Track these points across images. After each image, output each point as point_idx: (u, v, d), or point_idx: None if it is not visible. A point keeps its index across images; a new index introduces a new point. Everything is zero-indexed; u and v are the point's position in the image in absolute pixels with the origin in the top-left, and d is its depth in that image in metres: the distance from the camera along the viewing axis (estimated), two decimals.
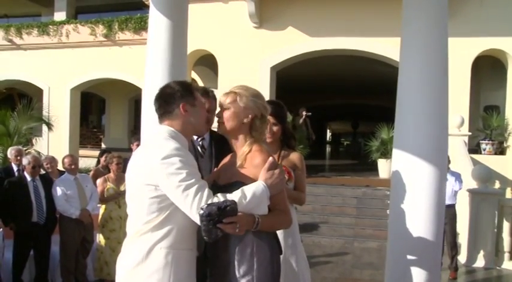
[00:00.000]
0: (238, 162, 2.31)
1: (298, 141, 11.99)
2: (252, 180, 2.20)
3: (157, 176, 2.09)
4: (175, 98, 2.32)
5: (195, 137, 3.24)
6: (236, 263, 2.19)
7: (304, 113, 12.61)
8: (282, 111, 3.42)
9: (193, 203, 2.03)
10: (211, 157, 3.23)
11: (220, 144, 3.25)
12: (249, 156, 2.29)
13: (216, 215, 1.95)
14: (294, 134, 3.68)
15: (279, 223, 2.31)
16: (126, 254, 2.23)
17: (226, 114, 2.34)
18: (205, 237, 2.00)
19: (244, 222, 2.06)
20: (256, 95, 2.38)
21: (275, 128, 3.31)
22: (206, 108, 3.12)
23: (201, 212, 1.96)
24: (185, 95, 2.33)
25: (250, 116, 2.32)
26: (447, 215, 4.81)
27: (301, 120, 12.66)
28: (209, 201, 2.02)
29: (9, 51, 15.51)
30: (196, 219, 2.01)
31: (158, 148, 2.14)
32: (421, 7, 3.92)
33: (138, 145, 6.95)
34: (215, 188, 2.24)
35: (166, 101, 2.33)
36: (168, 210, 2.13)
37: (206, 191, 2.07)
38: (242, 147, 2.35)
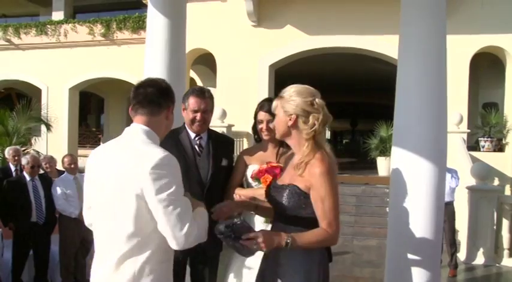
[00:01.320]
0: (298, 171, 2.27)
1: None
2: (305, 187, 2.22)
3: (144, 186, 1.94)
4: (169, 96, 2.21)
5: (192, 136, 3.23)
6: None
7: None
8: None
9: (175, 223, 1.93)
10: (208, 156, 3.22)
11: (218, 143, 3.29)
12: (309, 163, 2.24)
13: (229, 233, 2.08)
14: None
15: (319, 242, 2.20)
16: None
17: (275, 120, 2.40)
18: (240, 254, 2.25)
19: (267, 238, 2.07)
20: (298, 92, 2.34)
21: (272, 125, 2.85)
22: (202, 109, 3.15)
23: (216, 231, 2.12)
24: (173, 98, 2.25)
25: (292, 118, 2.30)
26: (446, 212, 4.81)
27: None
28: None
29: (7, 51, 15.49)
30: (170, 237, 1.94)
31: (146, 155, 1.98)
32: (419, 5, 3.92)
33: None
34: (273, 188, 2.40)
35: (161, 94, 2.18)
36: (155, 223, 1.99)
37: (189, 211, 2.00)
38: (299, 150, 2.33)
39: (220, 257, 3.36)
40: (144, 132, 2.12)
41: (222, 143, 3.37)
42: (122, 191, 1.98)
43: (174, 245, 1.97)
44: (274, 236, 2.11)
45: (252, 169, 3.22)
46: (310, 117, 2.28)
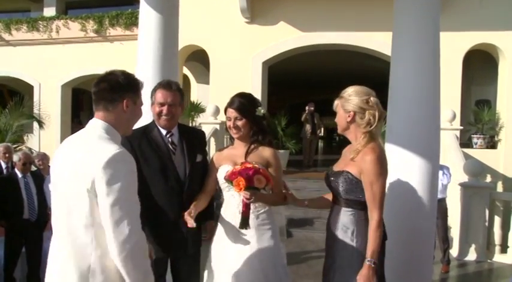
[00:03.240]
0: (351, 156, 2.69)
1: (289, 136, 12.07)
2: (357, 173, 2.62)
3: (96, 181, 1.95)
4: (122, 90, 2.16)
5: (163, 133, 3.13)
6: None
7: (307, 107, 12.66)
8: (247, 104, 3.04)
9: (117, 222, 1.93)
10: (183, 153, 3.14)
11: (190, 138, 3.20)
12: (362, 152, 2.63)
13: None
14: (271, 127, 3.36)
15: (378, 238, 2.57)
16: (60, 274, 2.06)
17: (336, 118, 2.81)
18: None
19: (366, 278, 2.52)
20: (355, 93, 2.73)
21: (239, 123, 3.00)
22: (168, 102, 3.05)
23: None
24: (131, 90, 2.19)
25: (350, 114, 2.71)
26: (438, 209, 4.83)
27: (304, 115, 12.67)
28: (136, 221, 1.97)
29: None
30: (111, 235, 1.93)
31: (100, 151, 1.99)
32: (412, 1, 3.92)
33: None
34: (331, 173, 2.84)
35: (111, 89, 2.15)
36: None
37: (134, 214, 1.99)
38: (356, 142, 2.73)
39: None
40: (101, 127, 2.12)
41: (193, 138, 3.27)
42: (76, 186, 2.00)
43: (112, 243, 1.94)
44: (371, 272, 2.50)
45: (224, 170, 3.00)
46: (366, 114, 2.67)
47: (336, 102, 2.80)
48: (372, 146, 2.64)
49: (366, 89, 2.77)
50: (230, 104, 3.07)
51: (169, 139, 3.15)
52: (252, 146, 3.03)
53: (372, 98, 2.70)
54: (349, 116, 2.71)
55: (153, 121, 3.18)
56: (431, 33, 3.91)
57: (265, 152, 3.02)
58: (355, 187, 2.66)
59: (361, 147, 2.65)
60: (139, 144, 3.05)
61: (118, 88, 2.16)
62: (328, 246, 2.85)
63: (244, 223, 2.85)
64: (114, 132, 2.15)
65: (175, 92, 3.11)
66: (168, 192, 3.04)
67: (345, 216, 2.72)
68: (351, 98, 2.71)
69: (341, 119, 2.78)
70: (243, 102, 3.03)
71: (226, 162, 3.06)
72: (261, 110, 3.06)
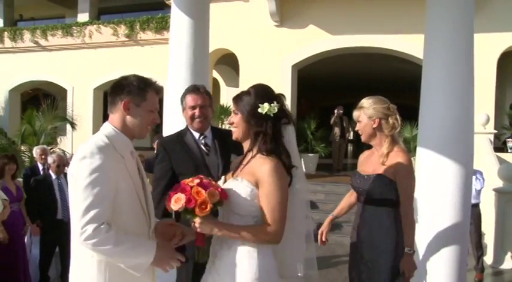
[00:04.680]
0: (381, 160, 2.93)
1: (318, 139, 12.00)
2: (390, 174, 2.87)
3: (69, 178, 2.07)
4: (123, 91, 2.17)
5: (196, 136, 3.20)
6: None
7: (336, 110, 12.56)
8: (248, 97, 2.29)
9: (82, 215, 1.98)
10: (216, 153, 3.18)
11: (223, 140, 3.21)
12: (391, 155, 2.91)
13: None
14: (279, 133, 2.26)
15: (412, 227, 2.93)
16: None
17: (360, 126, 3.03)
18: None
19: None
20: (375, 102, 2.97)
21: (234, 118, 2.31)
22: (199, 104, 3.10)
23: None
24: (134, 92, 2.17)
25: (376, 121, 2.95)
26: (472, 214, 4.71)
27: (333, 118, 12.58)
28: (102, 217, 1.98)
29: (35, 53, 15.82)
30: (78, 231, 1.99)
31: (82, 148, 2.07)
32: (446, 2, 3.85)
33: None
34: (359, 177, 3.05)
35: (114, 91, 2.20)
36: None
37: (99, 208, 1.99)
38: (381, 147, 2.97)
39: None
40: (104, 129, 2.20)
41: (227, 139, 3.15)
42: (72, 183, 2.09)
43: (77, 231, 2.02)
44: (412, 259, 2.89)
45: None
46: (389, 119, 2.93)
47: (358, 113, 3.03)
48: (399, 148, 2.95)
49: (383, 98, 3.03)
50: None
51: (203, 141, 3.21)
52: (249, 155, 2.24)
53: (391, 105, 2.99)
54: (374, 123, 2.95)
55: (187, 126, 3.26)
56: (464, 35, 3.83)
57: (258, 165, 2.15)
58: (388, 188, 2.90)
59: (387, 150, 2.92)
60: (173, 149, 3.17)
61: (118, 90, 2.19)
62: (360, 242, 3.05)
63: (201, 254, 2.35)
64: (117, 134, 2.18)
65: (203, 94, 3.17)
66: None
67: (379, 214, 2.97)
68: (374, 106, 2.95)
69: (367, 127, 3.00)
70: (245, 93, 2.33)
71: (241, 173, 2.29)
72: (266, 107, 2.21)
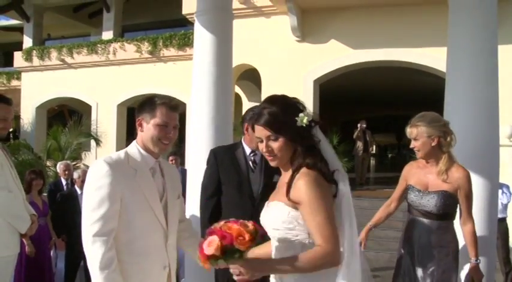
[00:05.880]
0: (441, 177, 3.06)
1: (341, 154, 11.89)
2: (453, 190, 3.03)
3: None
4: (138, 110, 2.36)
5: (248, 151, 3.37)
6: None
7: (359, 125, 12.51)
8: (281, 114, 1.98)
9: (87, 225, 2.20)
10: (261, 171, 3.34)
11: None
12: (451, 170, 3.05)
13: None
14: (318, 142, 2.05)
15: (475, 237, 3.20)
16: None
17: (418, 144, 3.09)
18: None
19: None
20: (432, 120, 3.05)
21: (275, 145, 1.97)
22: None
23: None
24: (146, 110, 2.32)
25: (435, 139, 3.03)
26: (499, 229, 4.63)
27: (356, 133, 12.53)
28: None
29: (61, 70, 16.18)
30: (84, 240, 2.22)
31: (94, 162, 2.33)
32: (468, 13, 3.82)
33: (172, 160, 7.10)
34: (418, 192, 3.16)
35: (137, 110, 2.38)
36: None
37: (103, 221, 2.18)
38: (437, 163, 3.10)
39: None
40: (130, 145, 2.40)
41: None
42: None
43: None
44: (478, 268, 3.14)
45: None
46: (447, 136, 3.04)
47: (414, 130, 3.09)
48: (458, 164, 3.10)
49: (437, 114, 3.15)
50: (256, 118, 2.02)
51: (252, 158, 3.39)
52: (296, 176, 1.94)
53: (446, 121, 3.11)
54: (433, 141, 3.04)
55: (241, 140, 3.46)
56: (488, 47, 3.80)
57: (298, 182, 1.91)
58: (451, 203, 3.10)
59: (445, 167, 3.06)
60: (222, 159, 3.41)
61: (137, 109, 2.37)
62: (415, 255, 3.17)
63: None
64: (136, 151, 2.35)
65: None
66: (240, 207, 3.28)
67: (438, 228, 3.13)
68: (432, 125, 3.03)
69: (426, 145, 3.06)
70: (274, 113, 1.97)
71: (271, 196, 2.13)
72: (303, 118, 1.97)
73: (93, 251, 2.17)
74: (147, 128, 2.30)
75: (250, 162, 3.37)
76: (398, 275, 3.30)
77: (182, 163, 8.35)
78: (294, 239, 1.92)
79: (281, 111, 1.97)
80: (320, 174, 1.91)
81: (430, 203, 3.09)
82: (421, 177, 3.19)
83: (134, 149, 2.34)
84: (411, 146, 3.18)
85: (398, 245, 3.47)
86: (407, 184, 3.31)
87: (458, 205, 3.16)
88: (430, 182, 3.13)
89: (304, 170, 1.92)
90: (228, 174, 3.35)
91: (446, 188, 3.05)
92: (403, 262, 3.26)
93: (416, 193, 3.18)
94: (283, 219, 1.92)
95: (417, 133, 3.07)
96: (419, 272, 3.14)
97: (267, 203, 2.11)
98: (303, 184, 1.87)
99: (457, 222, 3.25)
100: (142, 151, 2.33)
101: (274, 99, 2.05)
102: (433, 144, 3.03)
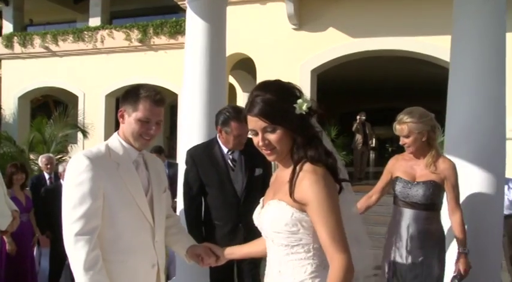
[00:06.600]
0: (430, 168, 3.14)
1: (339, 147, 11.71)
2: (440, 179, 3.11)
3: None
4: (122, 100, 2.23)
5: (225, 150, 3.32)
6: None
7: (358, 117, 12.29)
8: (277, 101, 1.75)
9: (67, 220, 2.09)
10: (241, 169, 3.31)
11: (250, 152, 3.22)
12: (439, 162, 3.15)
13: None
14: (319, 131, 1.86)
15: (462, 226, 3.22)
16: None
17: (409, 140, 3.14)
18: None
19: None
20: (421, 116, 3.10)
21: (272, 137, 1.77)
22: (246, 131, 2.80)
23: None
24: (129, 101, 2.18)
25: (425, 134, 3.10)
26: (505, 226, 4.53)
27: (355, 125, 12.30)
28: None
29: (45, 58, 15.74)
30: (65, 240, 2.09)
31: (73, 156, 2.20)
32: (474, 0, 3.67)
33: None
34: (406, 183, 3.21)
35: (120, 100, 2.26)
36: None
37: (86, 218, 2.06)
38: (423, 155, 3.18)
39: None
40: (112, 136, 2.30)
41: (254, 152, 3.20)
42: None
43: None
44: (466, 259, 3.18)
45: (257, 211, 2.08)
46: (436, 130, 3.15)
47: (403, 127, 3.13)
48: (443, 156, 3.25)
49: (423, 109, 3.19)
50: (249, 107, 1.79)
51: (230, 156, 3.33)
52: (300, 172, 1.75)
53: (431, 114, 3.17)
54: (424, 136, 3.11)
55: (215, 137, 3.39)
56: (495, 35, 3.67)
57: (303, 182, 1.72)
58: (439, 193, 3.17)
59: (433, 159, 3.15)
60: (200, 160, 3.35)
61: (121, 99, 2.25)
62: (401, 246, 3.23)
63: None
64: (118, 143, 2.23)
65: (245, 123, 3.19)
66: (225, 206, 3.29)
67: (428, 218, 3.19)
68: (422, 120, 3.09)
69: (417, 141, 3.13)
70: (269, 101, 1.75)
71: (269, 193, 1.94)
72: (302, 104, 1.74)
73: (75, 251, 2.05)
74: (129, 121, 2.18)
75: (229, 161, 3.33)
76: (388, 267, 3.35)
77: (173, 156, 8.19)
78: (296, 244, 1.74)
79: (277, 98, 1.75)
80: (327, 170, 1.73)
81: (418, 192, 3.17)
82: (408, 169, 3.27)
83: (116, 141, 2.24)
84: (401, 142, 3.22)
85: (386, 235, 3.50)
86: (394, 176, 3.35)
87: (443, 195, 3.23)
88: (418, 173, 3.22)
89: (308, 166, 1.72)
90: (208, 175, 3.31)
91: (433, 178, 3.14)
92: (392, 253, 3.30)
93: (404, 184, 3.25)
94: (286, 221, 1.72)
95: (408, 130, 3.12)
96: (408, 260, 3.21)
97: (262, 201, 1.93)
98: (310, 183, 1.68)
99: (444, 213, 3.29)
100: (125, 143, 2.23)
101: (267, 85, 1.80)
102: (424, 139, 3.12)
